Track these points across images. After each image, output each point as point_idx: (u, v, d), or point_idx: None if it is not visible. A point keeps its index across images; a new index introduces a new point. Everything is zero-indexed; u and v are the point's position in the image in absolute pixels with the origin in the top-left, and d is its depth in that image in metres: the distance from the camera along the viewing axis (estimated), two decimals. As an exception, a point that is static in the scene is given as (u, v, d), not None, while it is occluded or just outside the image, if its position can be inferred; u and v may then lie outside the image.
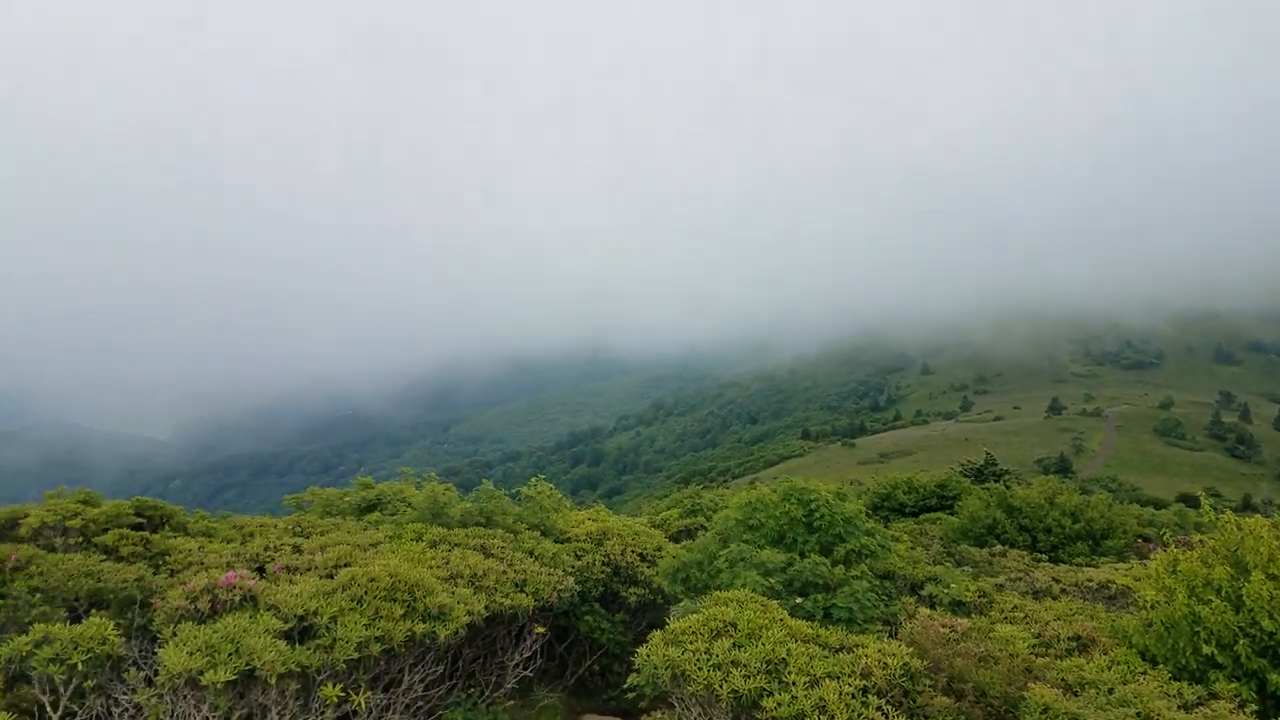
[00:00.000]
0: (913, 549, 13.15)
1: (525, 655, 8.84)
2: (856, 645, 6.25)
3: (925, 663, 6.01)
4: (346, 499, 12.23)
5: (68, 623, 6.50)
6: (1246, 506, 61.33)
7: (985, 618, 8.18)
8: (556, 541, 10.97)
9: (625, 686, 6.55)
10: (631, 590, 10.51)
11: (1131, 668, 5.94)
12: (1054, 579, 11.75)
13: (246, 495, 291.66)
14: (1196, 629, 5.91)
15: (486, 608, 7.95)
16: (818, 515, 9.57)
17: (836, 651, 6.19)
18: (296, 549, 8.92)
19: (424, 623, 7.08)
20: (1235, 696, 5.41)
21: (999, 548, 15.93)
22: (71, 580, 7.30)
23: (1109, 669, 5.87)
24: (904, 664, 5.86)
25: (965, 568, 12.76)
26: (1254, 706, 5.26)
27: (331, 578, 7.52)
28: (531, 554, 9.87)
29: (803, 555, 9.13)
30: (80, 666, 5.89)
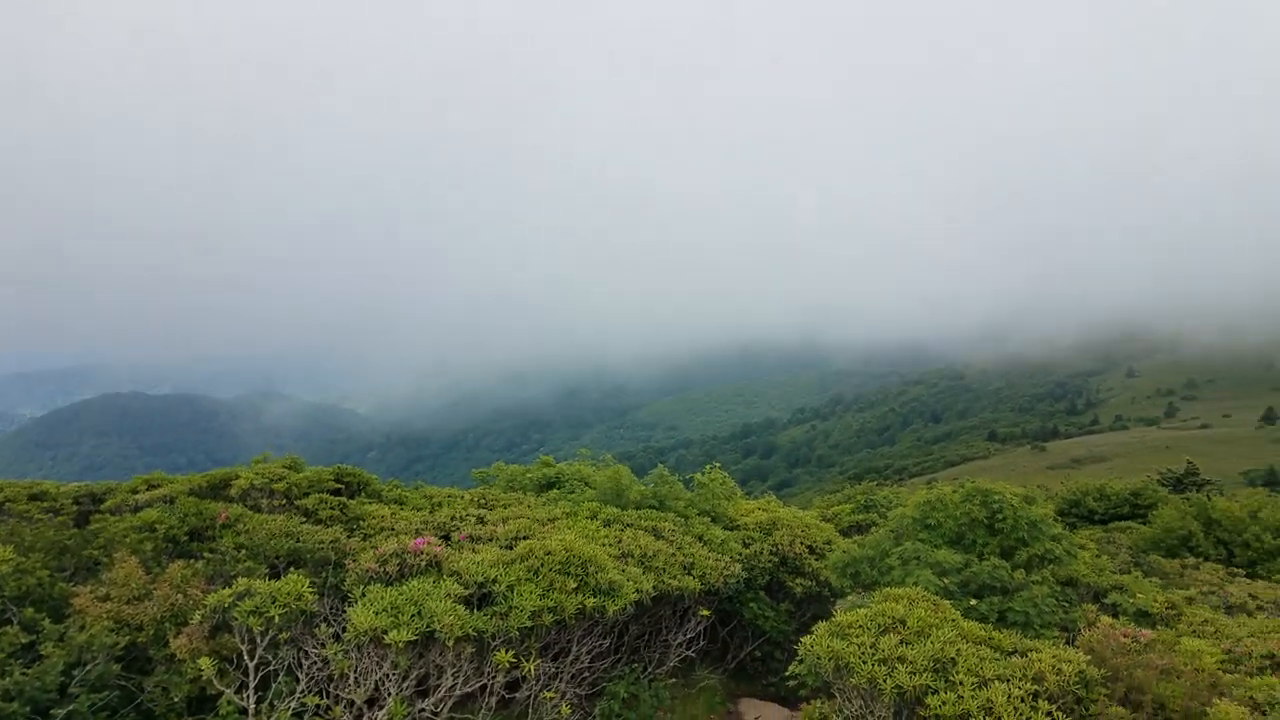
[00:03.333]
0: (1099, 557, 12.51)
1: (689, 636, 9.12)
2: (1030, 650, 6.10)
3: (1103, 672, 5.80)
4: (528, 475, 12.83)
5: (268, 579, 6.97)
6: None
7: (1172, 630, 7.73)
8: (726, 528, 11.17)
9: (786, 674, 6.67)
10: (798, 581, 10.57)
11: (1332, 689, 5.52)
12: (1250, 595, 11.02)
13: (436, 468, 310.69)
14: None
15: (655, 587, 8.24)
16: (1001, 517, 9.30)
17: (1009, 655, 6.06)
18: (480, 520, 9.49)
19: (594, 597, 7.42)
20: None
21: (1191, 560, 14.93)
22: (273, 539, 7.85)
23: (1306, 690, 5.48)
24: (1080, 671, 5.68)
25: (1153, 579, 12.02)
26: None
27: (511, 549, 7.98)
28: (701, 539, 10.13)
29: (981, 557, 8.92)
30: (277, 619, 6.33)
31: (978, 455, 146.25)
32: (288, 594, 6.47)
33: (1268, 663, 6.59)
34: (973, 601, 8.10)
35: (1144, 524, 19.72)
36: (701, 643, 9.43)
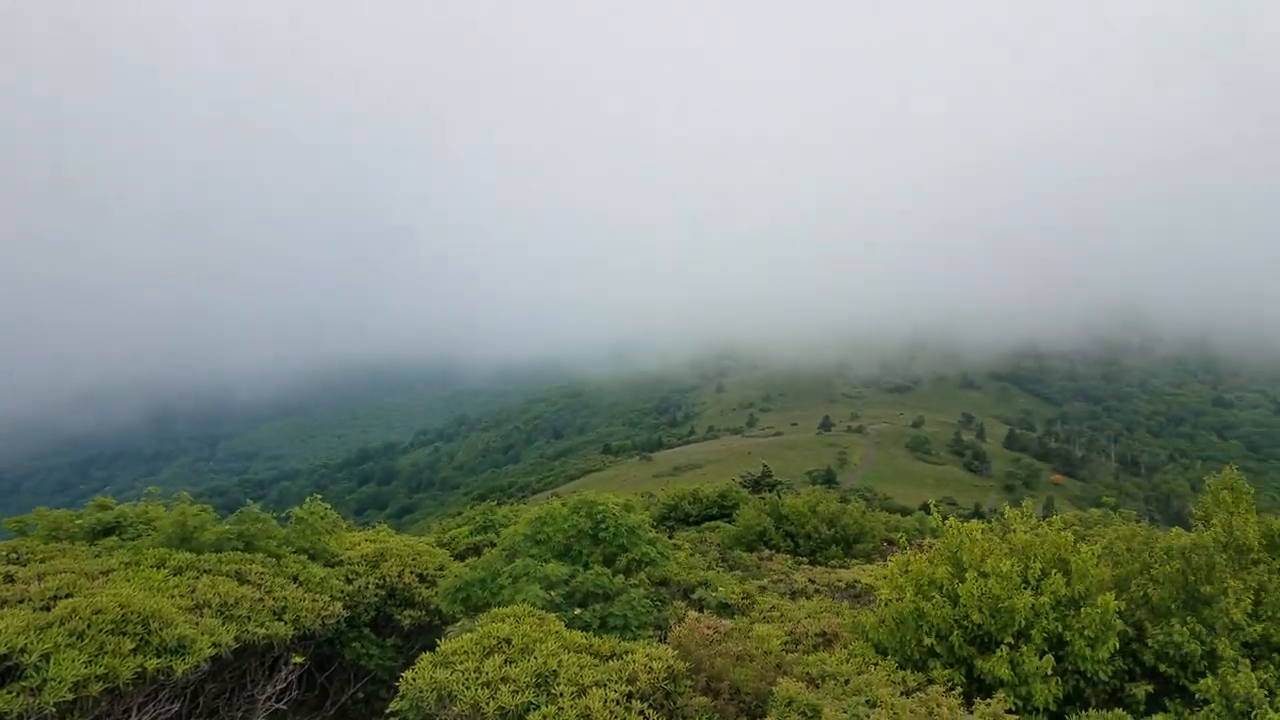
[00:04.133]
0: (692, 556, 13.65)
1: (279, 687, 8.34)
2: (627, 652, 6.38)
3: (688, 664, 6.22)
4: (79, 521, 10.92)
5: None
6: (976, 514, 68.20)
7: (747, 618, 8.62)
8: (328, 565, 10.47)
9: (388, 712, 6.36)
10: (406, 613, 10.20)
11: (866, 659, 6.51)
12: (810, 580, 12.73)
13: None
14: (920, 622, 6.58)
15: (237, 638, 7.46)
16: (604, 526, 9.74)
17: (607, 659, 6.28)
18: (9, 578, 7.96)
19: (158, 657, 6.54)
20: (948, 681, 6.06)
21: (767, 552, 17.02)
22: None
23: (847, 661, 6.39)
24: (668, 667, 6.03)
25: (736, 572, 13.41)
26: (962, 689, 5.88)
27: (48, 610, 6.77)
28: (295, 579, 9.37)
29: (586, 566, 9.24)
30: None
31: (595, 468, 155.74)
32: None
33: (821, 640, 7.60)
34: (578, 610, 8.36)
35: (730, 523, 22.09)
36: (296, 692, 8.66)
